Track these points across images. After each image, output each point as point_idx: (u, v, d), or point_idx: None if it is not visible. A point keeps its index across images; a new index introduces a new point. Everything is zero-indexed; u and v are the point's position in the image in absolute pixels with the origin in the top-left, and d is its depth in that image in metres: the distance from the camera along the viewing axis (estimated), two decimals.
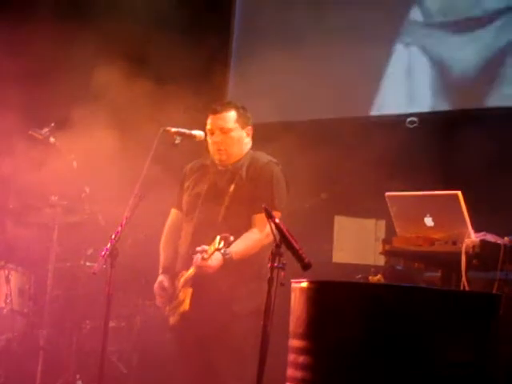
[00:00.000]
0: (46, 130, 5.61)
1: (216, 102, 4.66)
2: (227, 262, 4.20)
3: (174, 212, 4.67)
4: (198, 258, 4.19)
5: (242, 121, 4.49)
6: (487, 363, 3.09)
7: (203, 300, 4.26)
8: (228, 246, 4.15)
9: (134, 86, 6.12)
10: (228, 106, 4.52)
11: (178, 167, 4.74)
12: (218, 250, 4.13)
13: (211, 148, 4.50)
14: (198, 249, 4.20)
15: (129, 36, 6.34)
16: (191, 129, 4.47)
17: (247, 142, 4.54)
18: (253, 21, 7.38)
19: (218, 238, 4.11)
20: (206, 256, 4.15)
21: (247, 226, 4.35)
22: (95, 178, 5.64)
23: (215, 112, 4.48)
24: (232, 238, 4.14)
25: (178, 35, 6.59)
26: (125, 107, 5.93)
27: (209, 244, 4.16)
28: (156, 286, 4.46)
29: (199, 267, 4.20)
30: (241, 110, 4.52)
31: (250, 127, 4.54)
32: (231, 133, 4.46)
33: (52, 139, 5.59)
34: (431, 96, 6.39)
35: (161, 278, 4.47)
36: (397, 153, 5.91)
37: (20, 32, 6.51)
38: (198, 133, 4.47)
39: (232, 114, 4.47)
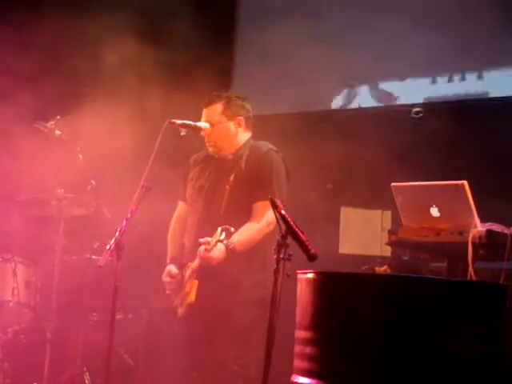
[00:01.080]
0: (51, 122, 5.60)
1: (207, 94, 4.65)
2: (230, 252, 4.21)
3: (180, 204, 4.69)
4: (201, 249, 4.20)
5: (230, 112, 4.50)
6: (496, 354, 3.09)
7: (209, 291, 4.27)
8: (229, 237, 4.16)
9: (141, 78, 6.12)
10: (214, 98, 4.53)
11: (184, 159, 4.75)
12: (220, 241, 4.14)
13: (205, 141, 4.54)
14: (201, 240, 4.21)
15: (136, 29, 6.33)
16: (197, 121, 4.48)
17: (240, 133, 4.53)
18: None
19: (220, 229, 4.12)
20: (208, 248, 4.15)
21: (248, 215, 4.35)
22: (101, 171, 5.64)
23: (204, 105, 4.52)
24: (233, 229, 4.16)
25: (184, 23, 6.59)
26: (131, 100, 5.92)
27: (213, 235, 4.16)
28: (164, 275, 4.48)
29: (203, 259, 4.21)
30: (233, 100, 4.52)
31: (240, 117, 4.53)
32: (218, 125, 4.48)
33: (58, 132, 5.59)
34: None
35: (169, 267, 4.49)
36: (402, 143, 5.89)
37: (25, 23, 6.52)
38: (204, 124, 4.48)
39: (217, 107, 4.50)
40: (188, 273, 4.38)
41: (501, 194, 5.28)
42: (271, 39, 6.58)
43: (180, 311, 4.44)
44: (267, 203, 4.10)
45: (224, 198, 4.39)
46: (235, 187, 4.39)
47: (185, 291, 4.39)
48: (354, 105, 6.75)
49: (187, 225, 4.56)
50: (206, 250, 4.17)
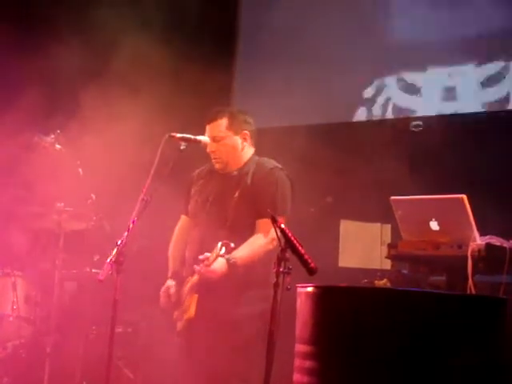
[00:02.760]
0: (51, 136, 5.62)
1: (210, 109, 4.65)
2: (232, 267, 4.21)
3: (182, 218, 4.69)
4: (200, 267, 4.21)
5: (236, 127, 4.50)
6: (494, 366, 3.08)
7: (209, 306, 4.26)
8: (230, 252, 4.17)
9: (142, 92, 6.13)
10: (219, 113, 4.52)
11: (184, 173, 4.75)
12: (221, 256, 4.14)
13: (212, 157, 4.54)
14: (201, 257, 4.21)
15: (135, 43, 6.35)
16: (197, 134, 4.49)
17: (246, 148, 4.54)
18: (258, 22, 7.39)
19: (220, 244, 4.13)
20: (207, 263, 4.16)
21: (252, 231, 4.35)
22: (101, 185, 5.65)
23: (207, 121, 4.51)
24: (233, 245, 4.16)
25: (183, 37, 6.62)
26: (130, 115, 5.93)
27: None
28: (162, 290, 4.48)
29: (203, 274, 4.21)
30: (236, 115, 4.52)
31: (246, 132, 4.53)
32: (224, 141, 4.48)
33: (58, 146, 5.60)
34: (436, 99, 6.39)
35: (168, 283, 4.49)
36: (402, 156, 5.90)
37: (26, 35, 6.55)
38: (204, 138, 4.48)
39: (223, 122, 4.49)
40: (188, 287, 4.37)
41: (500, 206, 5.28)
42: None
43: (179, 325, 4.43)
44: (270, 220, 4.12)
45: (229, 213, 4.38)
46: (240, 203, 4.39)
47: (184, 306, 4.39)
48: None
49: (189, 238, 4.56)
50: (205, 265, 4.17)
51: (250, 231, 4.36)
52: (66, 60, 6.40)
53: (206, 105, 5.45)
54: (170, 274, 4.54)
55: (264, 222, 4.29)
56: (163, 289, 4.48)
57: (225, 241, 4.15)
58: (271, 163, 4.53)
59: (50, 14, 6.88)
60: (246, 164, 4.52)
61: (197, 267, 4.24)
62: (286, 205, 4.41)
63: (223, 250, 4.13)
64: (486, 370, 3.05)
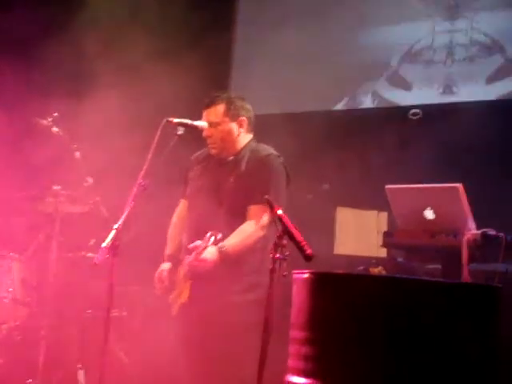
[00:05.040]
0: (48, 119, 5.61)
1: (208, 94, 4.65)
2: (223, 255, 4.21)
3: (182, 202, 4.70)
4: (190, 257, 4.22)
5: (233, 113, 4.49)
6: (490, 355, 3.10)
7: (202, 292, 4.27)
8: (217, 243, 4.17)
9: (140, 76, 6.13)
10: (215, 99, 4.51)
11: (182, 157, 4.75)
12: (207, 247, 4.15)
13: (207, 142, 4.53)
14: (190, 246, 4.22)
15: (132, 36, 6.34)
16: (194, 119, 4.48)
17: (243, 134, 4.53)
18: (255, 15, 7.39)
19: (209, 234, 4.13)
20: (197, 252, 4.16)
21: (246, 219, 4.36)
22: (98, 169, 5.65)
23: (205, 106, 4.50)
24: (220, 236, 4.16)
25: (180, 26, 6.61)
26: (129, 98, 5.93)
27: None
28: (157, 273, 4.48)
29: (193, 265, 4.22)
30: (234, 101, 4.51)
31: (243, 118, 4.52)
32: (220, 126, 4.47)
33: (55, 129, 5.60)
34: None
35: (162, 266, 4.50)
36: (399, 145, 5.91)
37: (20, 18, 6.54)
38: (201, 123, 4.47)
39: (220, 108, 4.48)
40: (182, 273, 4.39)
41: (496, 200, 5.30)
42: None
43: (174, 310, 4.45)
44: (262, 207, 4.13)
45: (224, 198, 4.39)
46: (235, 188, 4.39)
47: (178, 290, 4.40)
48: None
49: (186, 222, 4.57)
50: (196, 253, 4.18)
51: (245, 217, 4.36)
52: (63, 41, 6.41)
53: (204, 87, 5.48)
54: (165, 257, 4.56)
55: (256, 209, 4.30)
56: (157, 272, 4.49)
57: (213, 231, 4.16)
58: (267, 150, 4.52)
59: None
60: (242, 150, 4.52)
61: (187, 257, 4.25)
62: (280, 193, 4.39)
63: (212, 239, 4.14)
64: (480, 358, 3.07)
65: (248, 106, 4.56)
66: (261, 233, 4.29)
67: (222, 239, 4.20)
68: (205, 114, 4.51)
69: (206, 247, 4.15)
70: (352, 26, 6.73)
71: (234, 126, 4.50)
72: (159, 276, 4.46)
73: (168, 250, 4.58)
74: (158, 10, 6.68)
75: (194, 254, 4.18)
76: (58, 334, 5.68)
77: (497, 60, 6.12)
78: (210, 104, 4.50)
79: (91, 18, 6.40)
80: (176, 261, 4.50)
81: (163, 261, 4.55)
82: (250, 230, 4.31)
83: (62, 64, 6.58)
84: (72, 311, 5.71)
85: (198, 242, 4.18)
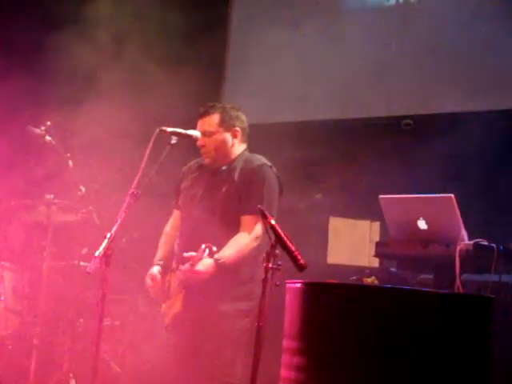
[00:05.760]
0: (42, 128, 5.61)
1: (204, 104, 4.65)
2: (220, 267, 4.21)
3: (175, 212, 4.69)
4: (185, 267, 4.21)
5: (227, 123, 4.49)
6: (482, 364, 3.11)
7: (195, 302, 4.27)
8: (212, 256, 4.16)
9: (134, 86, 6.13)
10: (210, 108, 4.52)
11: (175, 167, 4.75)
12: (202, 259, 4.15)
13: (201, 152, 4.54)
14: (186, 255, 4.21)
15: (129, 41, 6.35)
16: (188, 128, 4.49)
17: (237, 144, 4.54)
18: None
19: (203, 246, 4.13)
20: (192, 263, 4.16)
21: (238, 228, 4.36)
22: (91, 178, 5.65)
23: (199, 115, 4.51)
24: (215, 249, 4.15)
25: (175, 33, 6.61)
26: (122, 107, 5.93)
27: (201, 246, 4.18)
28: (147, 277, 4.46)
29: (188, 275, 4.21)
30: (228, 111, 4.52)
31: (237, 128, 4.52)
32: (214, 136, 4.47)
33: (48, 138, 5.59)
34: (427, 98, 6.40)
35: (152, 269, 4.47)
36: (392, 154, 5.92)
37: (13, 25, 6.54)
38: (194, 133, 4.47)
39: (214, 117, 4.48)
40: (176, 282, 4.38)
41: (488, 211, 5.30)
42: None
43: (167, 320, 4.44)
44: (255, 217, 4.14)
45: (216, 208, 4.39)
46: (227, 198, 4.39)
47: (171, 300, 4.40)
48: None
49: (179, 232, 4.57)
50: (191, 265, 4.17)
51: (237, 227, 4.36)
52: (55, 49, 6.41)
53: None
54: (155, 261, 4.54)
55: (249, 219, 4.31)
56: (148, 276, 4.48)
57: (208, 244, 4.15)
58: (260, 160, 4.53)
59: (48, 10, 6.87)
60: (235, 160, 4.52)
61: (182, 267, 4.24)
62: (272, 203, 4.39)
63: (206, 252, 4.14)
64: (474, 368, 3.07)
65: (242, 117, 4.57)
66: (255, 243, 4.29)
67: (217, 251, 4.20)
68: (199, 123, 4.52)
69: (200, 259, 4.15)
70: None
71: (228, 136, 4.50)
72: (151, 278, 4.45)
73: (158, 255, 4.57)
74: (153, 22, 6.69)
75: (188, 264, 4.18)
76: (49, 342, 5.66)
77: None
78: (205, 114, 4.51)
79: (84, 31, 6.40)
80: (165, 266, 4.49)
81: (153, 264, 4.53)
82: (245, 240, 4.31)
83: (54, 74, 6.57)
84: (64, 320, 5.70)
85: (193, 253, 4.18)
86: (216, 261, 4.19)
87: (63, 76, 6.57)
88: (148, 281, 4.45)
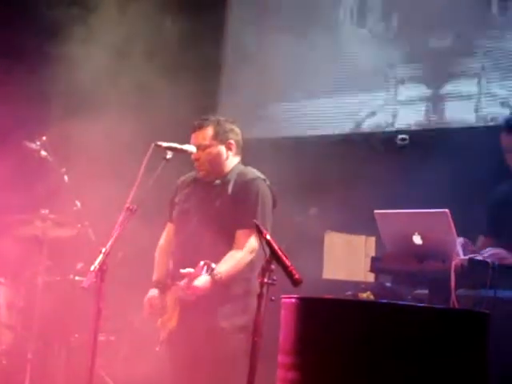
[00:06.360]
0: (37, 143, 5.62)
1: (196, 117, 4.66)
2: (217, 282, 4.20)
3: (168, 225, 4.69)
4: (183, 283, 4.21)
5: (221, 136, 4.51)
6: (478, 381, 3.10)
7: (190, 317, 4.26)
8: (211, 272, 4.17)
9: (128, 101, 6.14)
10: (204, 122, 4.53)
11: (170, 181, 4.75)
12: (200, 275, 4.14)
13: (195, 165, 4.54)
14: (183, 271, 4.21)
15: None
16: (183, 143, 4.49)
17: (230, 157, 4.54)
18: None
19: (202, 263, 4.13)
20: (190, 279, 4.15)
21: (232, 242, 4.35)
22: (86, 193, 5.64)
23: (194, 129, 4.52)
24: (214, 266, 4.16)
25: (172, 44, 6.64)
26: (117, 123, 5.93)
27: (197, 260, 4.17)
28: (146, 300, 4.47)
29: (185, 292, 4.21)
30: (222, 124, 4.52)
31: (231, 141, 4.53)
32: (208, 149, 4.48)
33: (43, 153, 5.60)
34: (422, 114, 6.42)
35: (151, 292, 4.48)
36: (387, 170, 5.92)
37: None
38: (190, 147, 4.48)
39: (208, 130, 4.50)
40: (170, 298, 4.37)
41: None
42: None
43: (162, 335, 4.43)
44: (249, 231, 4.14)
45: (210, 222, 4.39)
46: (221, 212, 4.40)
47: (167, 316, 4.39)
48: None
49: (173, 246, 4.56)
50: (188, 281, 4.17)
51: (232, 240, 4.36)
52: (50, 67, 6.42)
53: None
54: (153, 284, 4.54)
55: (243, 233, 4.31)
56: (146, 298, 4.48)
57: (206, 261, 4.16)
58: (253, 173, 4.53)
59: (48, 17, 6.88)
60: (228, 173, 4.53)
61: (177, 283, 4.24)
62: (265, 217, 4.40)
63: (205, 269, 4.15)
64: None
65: (237, 130, 4.58)
66: (250, 256, 4.30)
67: (215, 268, 4.20)
68: (193, 136, 4.52)
69: (198, 275, 4.15)
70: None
71: (222, 148, 4.51)
72: (149, 302, 4.44)
73: (155, 276, 4.57)
74: (148, 35, 6.70)
75: (185, 281, 4.18)
76: (44, 357, 5.65)
77: None
78: (199, 127, 4.52)
79: (81, 44, 6.42)
80: (163, 286, 4.48)
81: (151, 286, 4.53)
82: (240, 255, 4.31)
83: (50, 88, 6.58)
84: (59, 335, 5.68)
85: (191, 270, 4.18)
86: (214, 276, 4.19)
87: (58, 91, 6.58)
88: (146, 304, 4.45)
